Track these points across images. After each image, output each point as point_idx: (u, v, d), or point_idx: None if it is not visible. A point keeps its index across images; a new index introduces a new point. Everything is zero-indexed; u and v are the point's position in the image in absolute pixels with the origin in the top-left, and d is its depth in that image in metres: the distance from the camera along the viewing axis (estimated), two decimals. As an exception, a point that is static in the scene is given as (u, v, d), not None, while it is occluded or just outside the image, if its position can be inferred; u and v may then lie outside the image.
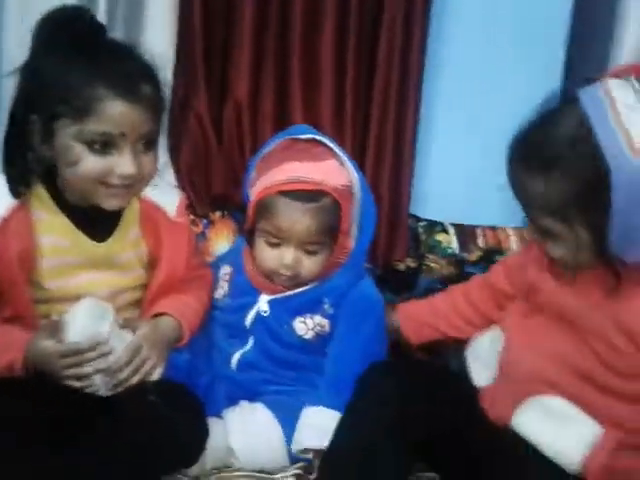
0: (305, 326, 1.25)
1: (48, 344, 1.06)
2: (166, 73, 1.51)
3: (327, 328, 1.26)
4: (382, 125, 1.76)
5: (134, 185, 1.12)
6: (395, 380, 1.10)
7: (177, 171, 1.75)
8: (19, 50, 1.14)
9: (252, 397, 1.27)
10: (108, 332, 1.08)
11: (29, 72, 1.08)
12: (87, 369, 1.06)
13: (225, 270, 1.36)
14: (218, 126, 1.73)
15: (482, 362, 1.13)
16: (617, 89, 0.88)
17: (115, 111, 1.04)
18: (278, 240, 1.20)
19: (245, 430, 1.19)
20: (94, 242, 1.17)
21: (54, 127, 1.06)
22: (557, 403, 1.00)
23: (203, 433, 1.13)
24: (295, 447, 1.18)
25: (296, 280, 1.24)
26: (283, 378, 1.28)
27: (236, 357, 1.29)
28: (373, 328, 1.27)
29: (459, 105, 1.77)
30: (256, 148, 1.61)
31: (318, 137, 1.25)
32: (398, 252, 1.81)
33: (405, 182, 1.79)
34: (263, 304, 1.27)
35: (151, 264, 1.24)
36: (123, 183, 1.09)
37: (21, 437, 1.03)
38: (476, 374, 1.14)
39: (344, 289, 1.26)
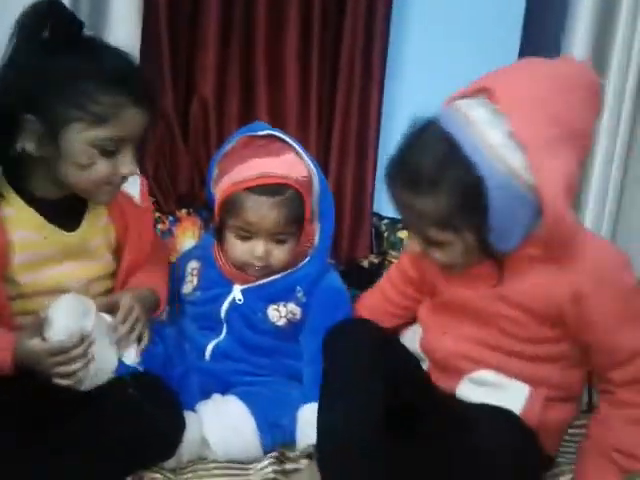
0: (278, 313, 1.30)
1: (35, 343, 1.06)
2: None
3: (299, 316, 1.31)
4: (345, 124, 1.81)
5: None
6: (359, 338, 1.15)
7: (142, 169, 1.76)
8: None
9: (226, 388, 1.29)
10: (92, 326, 1.09)
11: (22, 69, 1.05)
12: (75, 366, 1.06)
13: (193, 265, 1.39)
14: (184, 125, 1.76)
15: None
16: (470, 109, 1.01)
17: (133, 118, 1.07)
18: (248, 234, 1.26)
19: (219, 422, 1.21)
20: (65, 232, 1.17)
21: (61, 130, 1.05)
22: (487, 375, 1.13)
23: (180, 426, 1.14)
24: (301, 446, 1.22)
25: (268, 270, 1.29)
26: (256, 367, 1.31)
27: (210, 347, 1.32)
28: (344, 317, 1.31)
29: (420, 102, 1.80)
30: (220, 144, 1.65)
31: (275, 133, 1.30)
32: (361, 249, 1.86)
33: (368, 180, 1.84)
34: (237, 293, 1.31)
35: (118, 249, 1.26)
36: (122, 181, 1.14)
37: (2, 433, 1.04)
38: None
39: (314, 277, 1.32)
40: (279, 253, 1.28)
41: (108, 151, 1.08)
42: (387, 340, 1.18)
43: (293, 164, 1.27)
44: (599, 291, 1.05)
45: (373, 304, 1.36)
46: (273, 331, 1.31)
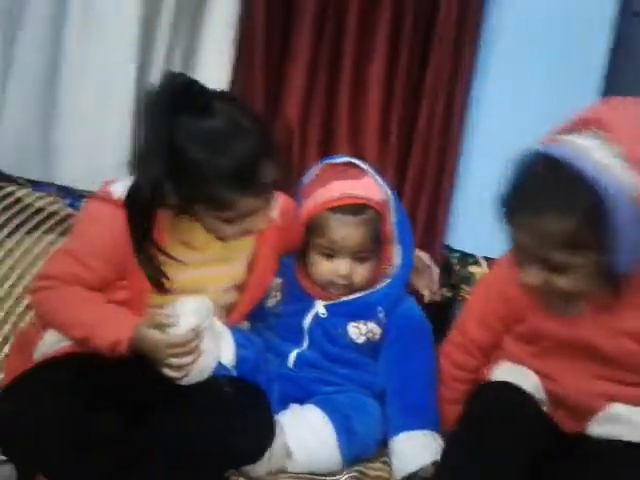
0: (358, 331, 1.35)
1: (157, 333, 1.13)
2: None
3: (378, 336, 1.36)
4: (424, 154, 1.83)
5: None
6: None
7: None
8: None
9: (306, 397, 1.32)
10: (206, 327, 1.17)
11: (170, 148, 1.11)
12: (188, 359, 1.14)
13: (276, 281, 1.44)
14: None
15: None
16: (578, 139, 1.05)
17: (252, 204, 1.18)
18: (332, 252, 1.32)
19: (300, 430, 1.24)
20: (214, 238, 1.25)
21: (190, 207, 1.17)
22: (619, 409, 1.14)
23: (271, 428, 1.19)
24: (399, 475, 1.25)
25: (350, 288, 1.35)
26: (336, 376, 1.35)
27: (293, 355, 1.37)
28: (429, 349, 1.37)
29: (499, 142, 1.83)
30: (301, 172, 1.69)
31: (353, 160, 1.39)
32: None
33: (441, 212, 1.85)
34: (320, 307, 1.37)
35: (250, 265, 1.34)
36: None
37: (102, 410, 1.10)
38: None
39: (395, 298, 1.38)
40: (361, 271, 1.34)
41: (235, 220, 1.18)
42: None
43: (371, 187, 1.35)
44: None
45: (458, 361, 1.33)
46: (353, 347, 1.36)
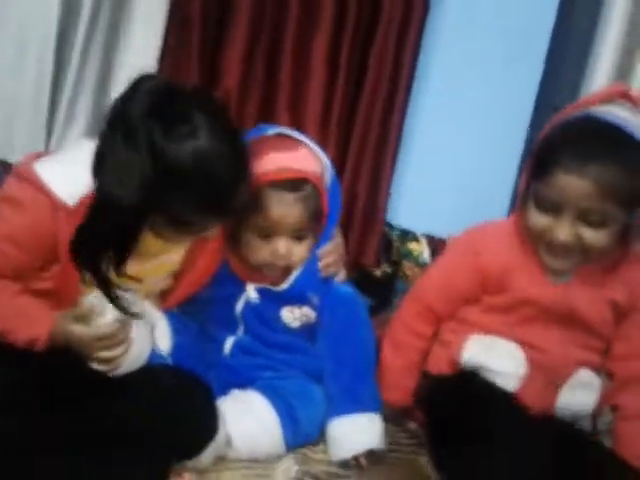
0: (292, 315, 1.28)
1: (80, 327, 1.06)
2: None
3: (313, 319, 1.29)
4: (366, 131, 1.78)
5: None
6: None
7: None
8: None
9: (246, 383, 1.26)
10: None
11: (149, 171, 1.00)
12: (117, 351, 1.07)
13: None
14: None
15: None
16: (616, 109, 1.11)
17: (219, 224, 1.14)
18: (269, 232, 1.20)
19: (241, 417, 1.18)
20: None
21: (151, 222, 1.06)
22: (585, 375, 1.19)
23: (214, 421, 1.12)
24: (335, 460, 1.21)
25: (288, 268, 1.25)
26: (275, 362, 1.29)
27: (229, 343, 1.29)
28: (365, 328, 1.30)
29: (443, 119, 1.81)
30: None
31: (286, 131, 1.26)
32: (368, 257, 1.83)
33: (383, 189, 1.82)
34: (251, 292, 1.28)
35: (191, 251, 1.24)
36: None
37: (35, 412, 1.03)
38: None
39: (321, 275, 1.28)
40: (299, 251, 1.23)
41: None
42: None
43: (309, 159, 1.23)
44: None
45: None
46: (288, 331, 1.30)
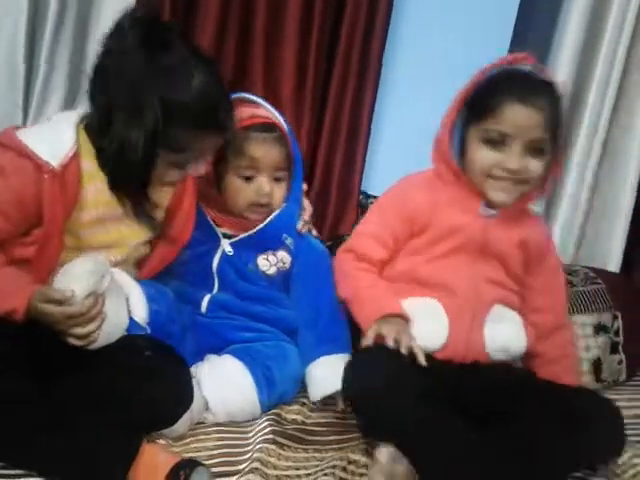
0: (268, 262, 1.35)
1: (52, 307, 1.05)
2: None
3: (288, 264, 1.36)
4: (339, 101, 1.80)
5: None
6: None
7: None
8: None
9: (222, 345, 1.28)
10: (106, 287, 1.09)
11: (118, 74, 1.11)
12: (91, 327, 1.07)
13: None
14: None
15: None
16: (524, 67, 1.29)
17: (207, 145, 1.20)
18: (252, 172, 1.30)
19: (216, 381, 1.20)
20: None
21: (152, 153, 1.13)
22: (501, 310, 1.30)
23: (190, 391, 1.13)
24: (314, 399, 1.27)
25: (269, 209, 1.34)
26: (252, 317, 1.32)
27: (205, 300, 1.32)
28: (330, 277, 1.37)
29: (415, 87, 1.83)
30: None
31: (246, 95, 1.38)
32: (346, 226, 1.85)
33: (358, 157, 1.84)
34: (226, 246, 1.34)
35: (168, 216, 1.30)
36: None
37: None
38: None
39: (295, 220, 1.38)
40: (278, 192, 1.34)
41: (184, 165, 1.18)
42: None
43: (270, 111, 1.36)
44: None
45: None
46: (265, 280, 1.35)
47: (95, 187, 1.16)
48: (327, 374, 1.24)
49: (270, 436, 1.15)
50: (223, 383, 1.20)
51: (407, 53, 1.86)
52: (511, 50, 1.85)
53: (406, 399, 1.08)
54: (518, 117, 1.20)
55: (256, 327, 1.31)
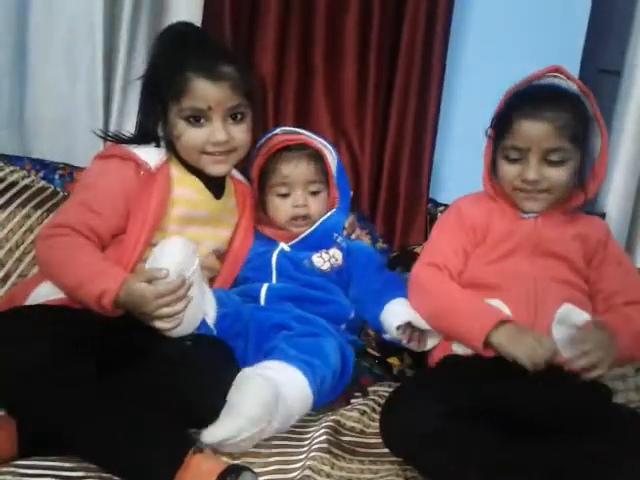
0: (322, 260, 1.45)
1: (144, 285, 1.14)
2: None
3: (340, 260, 1.46)
4: (403, 109, 1.80)
5: (230, 152, 1.34)
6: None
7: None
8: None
9: (274, 333, 1.31)
10: (194, 270, 1.17)
11: (148, 71, 1.35)
12: (178, 306, 1.14)
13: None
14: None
15: None
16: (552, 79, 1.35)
17: (201, 89, 1.27)
18: (286, 189, 1.44)
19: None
20: (214, 198, 1.38)
21: (167, 111, 1.30)
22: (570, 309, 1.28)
23: (225, 379, 1.13)
24: (390, 329, 1.32)
25: (308, 219, 1.46)
26: (309, 302, 1.39)
27: (264, 290, 1.40)
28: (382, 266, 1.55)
29: (479, 93, 1.79)
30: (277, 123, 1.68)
31: (285, 128, 1.52)
32: (415, 235, 1.83)
33: (425, 166, 1.82)
34: (285, 246, 1.47)
35: (232, 236, 1.46)
36: (219, 150, 1.31)
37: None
38: None
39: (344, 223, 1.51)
40: (315, 204, 1.46)
41: (192, 121, 1.29)
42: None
43: (310, 138, 1.49)
44: None
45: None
46: (320, 275, 1.44)
47: (182, 189, 1.32)
48: (401, 308, 1.33)
49: (325, 445, 1.14)
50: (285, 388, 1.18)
51: (470, 60, 1.84)
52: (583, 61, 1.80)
53: (443, 454, 1.08)
54: (528, 130, 1.27)
55: (305, 317, 1.35)
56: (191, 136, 1.29)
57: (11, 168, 1.69)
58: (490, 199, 1.38)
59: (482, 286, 1.30)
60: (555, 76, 1.35)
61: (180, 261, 1.16)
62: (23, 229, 1.57)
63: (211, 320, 1.27)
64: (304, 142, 1.46)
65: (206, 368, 1.15)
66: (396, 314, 1.32)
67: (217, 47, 1.35)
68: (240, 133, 1.32)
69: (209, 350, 1.20)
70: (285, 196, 1.45)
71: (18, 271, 1.51)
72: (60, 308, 1.20)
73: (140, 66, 1.79)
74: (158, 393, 1.10)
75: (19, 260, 1.53)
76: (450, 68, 1.81)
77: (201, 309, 1.22)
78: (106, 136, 1.41)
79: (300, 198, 1.44)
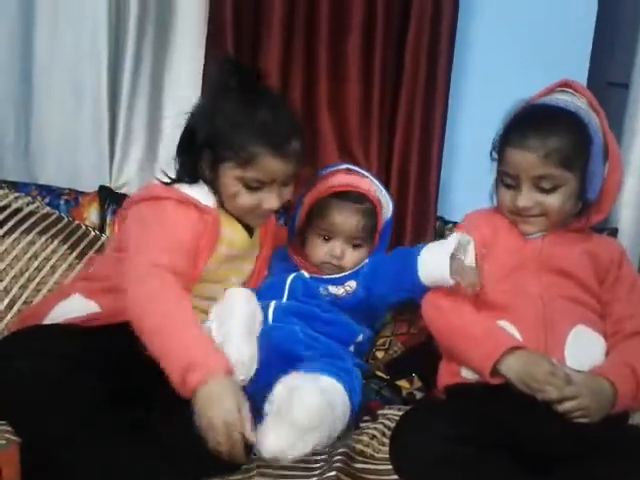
0: (336, 289, 1.42)
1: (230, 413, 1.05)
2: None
3: (354, 287, 1.41)
4: (409, 125, 1.78)
5: (275, 212, 1.41)
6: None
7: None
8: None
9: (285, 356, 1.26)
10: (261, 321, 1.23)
11: (205, 114, 1.30)
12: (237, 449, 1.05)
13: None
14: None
15: None
16: (560, 95, 1.32)
17: (270, 165, 1.27)
18: (329, 234, 1.41)
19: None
20: (249, 237, 1.38)
21: (220, 164, 1.29)
22: (584, 330, 1.24)
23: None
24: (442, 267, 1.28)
25: (340, 270, 1.43)
26: (319, 322, 1.35)
27: (272, 307, 1.35)
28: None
29: (485, 108, 1.77)
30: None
31: (352, 167, 1.48)
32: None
33: (432, 183, 1.80)
34: (305, 273, 1.44)
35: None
36: (268, 213, 1.36)
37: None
38: None
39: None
40: (352, 257, 1.42)
41: (251, 187, 1.28)
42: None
43: (372, 185, 1.45)
44: None
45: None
46: (332, 300, 1.41)
47: (225, 229, 1.32)
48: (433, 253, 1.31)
49: (334, 473, 1.11)
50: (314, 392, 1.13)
51: (475, 75, 1.83)
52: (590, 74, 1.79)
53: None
54: (515, 159, 1.27)
55: (314, 337, 1.31)
56: (246, 200, 1.30)
57: (16, 194, 1.69)
58: (500, 215, 1.35)
59: (490, 306, 1.27)
60: (564, 91, 1.32)
61: (247, 312, 1.18)
62: (28, 255, 1.56)
63: None
64: (363, 195, 1.41)
65: None
66: (433, 258, 1.30)
67: (287, 116, 1.31)
68: (289, 195, 1.35)
69: None
70: (326, 239, 1.42)
71: (23, 298, 1.50)
72: (79, 329, 1.18)
73: (145, 86, 1.82)
74: (173, 441, 1.07)
75: (24, 287, 1.51)
76: (455, 84, 1.80)
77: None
78: (168, 180, 1.35)
79: (338, 249, 1.41)
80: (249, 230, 1.38)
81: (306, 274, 1.42)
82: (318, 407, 1.06)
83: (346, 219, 1.40)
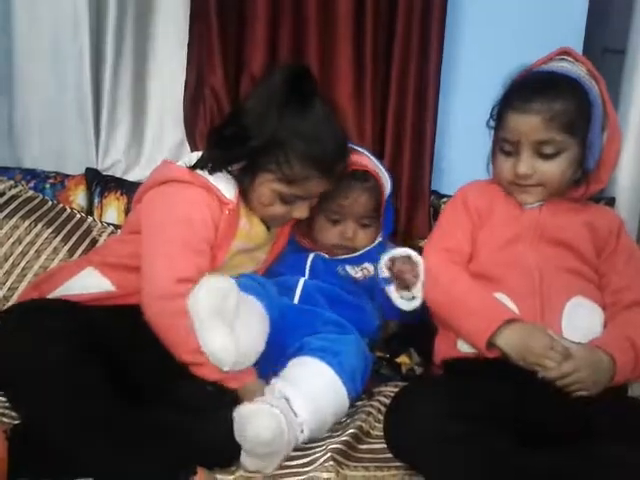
0: (354, 270, 1.42)
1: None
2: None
3: (372, 271, 1.41)
4: (402, 101, 1.73)
5: None
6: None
7: (194, 147, 1.75)
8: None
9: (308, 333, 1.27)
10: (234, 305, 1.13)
11: (257, 121, 1.23)
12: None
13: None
14: (234, 101, 1.72)
15: None
16: (561, 62, 1.30)
17: (313, 185, 1.27)
18: (339, 216, 1.39)
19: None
20: (267, 230, 1.37)
21: (260, 172, 1.26)
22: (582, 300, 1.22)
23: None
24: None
25: (354, 250, 1.42)
26: (340, 304, 1.35)
27: (301, 283, 1.36)
28: None
29: (479, 79, 1.73)
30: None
31: (356, 147, 1.44)
32: (419, 228, 1.77)
33: (426, 158, 1.75)
34: (322, 254, 1.43)
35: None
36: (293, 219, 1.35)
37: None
38: None
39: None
40: (363, 236, 1.41)
41: (287, 201, 1.28)
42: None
43: (371, 162, 1.42)
44: None
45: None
46: (351, 280, 1.42)
47: (244, 223, 1.31)
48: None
49: (329, 454, 1.08)
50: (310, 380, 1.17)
51: (469, 46, 1.78)
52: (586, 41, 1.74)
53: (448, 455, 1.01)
54: (517, 124, 1.24)
55: (333, 319, 1.31)
56: (278, 211, 1.30)
57: (-2, 178, 1.66)
58: (496, 185, 1.33)
59: (485, 277, 1.24)
60: (563, 59, 1.30)
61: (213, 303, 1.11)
62: (11, 240, 1.53)
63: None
64: (368, 172, 1.38)
65: (223, 418, 1.07)
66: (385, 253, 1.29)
67: (341, 137, 1.29)
68: (315, 202, 1.34)
69: (231, 398, 1.13)
70: (335, 222, 1.39)
71: (8, 284, 1.47)
72: (89, 309, 1.17)
73: (128, 66, 1.77)
74: (170, 438, 1.06)
75: (8, 273, 1.48)
76: (448, 56, 1.75)
77: (259, 342, 1.18)
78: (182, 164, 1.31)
79: (350, 230, 1.39)
80: (267, 224, 1.36)
81: (323, 254, 1.41)
82: (266, 440, 1.04)
83: (356, 199, 1.37)
